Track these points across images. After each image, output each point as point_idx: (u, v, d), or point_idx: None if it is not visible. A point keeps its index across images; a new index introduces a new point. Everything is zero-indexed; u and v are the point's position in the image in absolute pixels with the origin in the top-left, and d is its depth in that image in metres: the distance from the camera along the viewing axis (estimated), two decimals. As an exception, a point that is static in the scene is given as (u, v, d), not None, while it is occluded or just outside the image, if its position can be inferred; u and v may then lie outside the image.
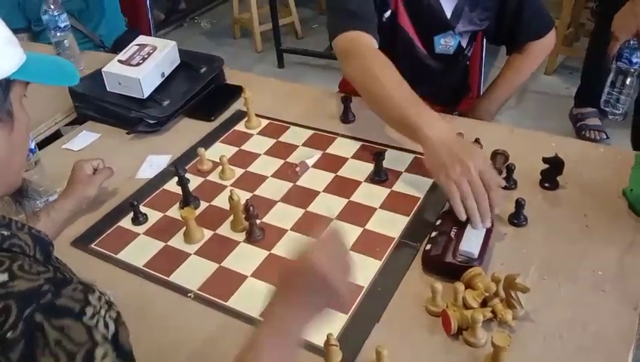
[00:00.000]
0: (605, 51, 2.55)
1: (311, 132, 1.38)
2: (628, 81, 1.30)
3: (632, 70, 1.28)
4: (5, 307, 0.53)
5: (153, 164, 1.32)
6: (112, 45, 2.21)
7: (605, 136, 2.58)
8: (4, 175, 0.68)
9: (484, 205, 0.98)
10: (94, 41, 2.15)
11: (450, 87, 1.54)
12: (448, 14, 1.38)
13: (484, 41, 1.71)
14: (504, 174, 1.15)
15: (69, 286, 0.57)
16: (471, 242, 0.96)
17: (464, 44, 1.45)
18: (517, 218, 1.06)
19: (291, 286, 0.72)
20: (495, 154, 1.19)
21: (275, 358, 0.67)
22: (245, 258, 1.04)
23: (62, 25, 1.70)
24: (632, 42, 1.27)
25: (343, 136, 1.36)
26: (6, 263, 0.57)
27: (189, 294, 0.99)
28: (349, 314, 0.92)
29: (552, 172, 1.12)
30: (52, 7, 1.69)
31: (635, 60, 1.27)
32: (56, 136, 1.55)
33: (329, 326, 0.89)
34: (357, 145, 1.32)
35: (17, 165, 0.72)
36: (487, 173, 1.00)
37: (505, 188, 1.14)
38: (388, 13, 1.43)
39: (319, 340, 0.85)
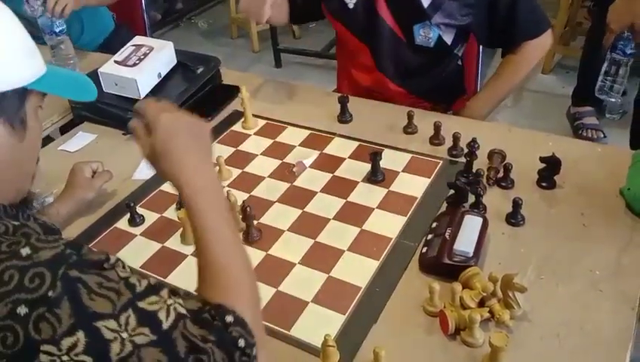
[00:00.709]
0: (601, 52, 2.56)
1: (308, 132, 1.38)
2: (621, 70, 1.32)
3: (626, 60, 1.30)
4: (38, 273, 0.56)
5: (149, 166, 1.31)
6: (100, 45, 2.19)
7: (602, 135, 2.58)
8: (13, 181, 0.70)
9: None
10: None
11: (442, 87, 1.53)
12: (426, 4, 1.38)
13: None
14: (501, 173, 1.15)
15: (83, 247, 0.61)
16: (465, 241, 0.96)
17: (448, 40, 1.44)
18: (514, 217, 1.05)
19: (171, 147, 0.74)
20: (492, 154, 1.19)
21: (218, 213, 0.72)
22: (242, 259, 1.04)
23: (57, 30, 1.70)
24: (626, 34, 1.28)
25: (340, 136, 1.36)
26: (23, 241, 0.59)
27: (186, 295, 0.98)
28: (347, 314, 0.92)
29: (550, 171, 1.12)
30: (46, 11, 1.69)
31: (629, 52, 1.29)
32: (52, 137, 1.55)
33: (326, 327, 0.89)
34: (354, 145, 1.32)
35: (26, 173, 0.73)
36: None
37: (502, 187, 1.14)
38: (355, 0, 1.44)
39: (317, 341, 0.85)
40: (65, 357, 0.54)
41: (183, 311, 0.61)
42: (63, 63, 1.75)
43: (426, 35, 1.42)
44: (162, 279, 1.02)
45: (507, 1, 1.37)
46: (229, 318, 0.63)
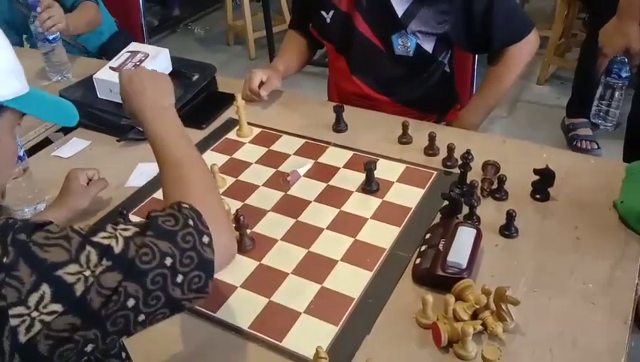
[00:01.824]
0: (595, 63, 2.56)
1: (303, 141, 1.38)
2: (617, 94, 1.31)
3: (621, 84, 1.29)
4: None
5: (143, 172, 1.31)
6: (99, 48, 2.20)
7: (597, 147, 2.59)
8: None
9: None
10: (77, 47, 2.14)
11: (430, 95, 1.54)
12: (400, 13, 1.39)
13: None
14: (495, 185, 1.15)
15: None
16: (459, 253, 0.96)
17: (428, 48, 1.44)
18: (508, 229, 1.05)
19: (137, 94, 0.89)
20: (486, 165, 1.19)
21: (174, 130, 0.84)
22: (235, 268, 1.03)
23: (50, 37, 1.70)
24: (619, 58, 1.27)
25: (335, 145, 1.35)
26: None
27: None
28: (339, 325, 0.91)
29: (543, 183, 1.12)
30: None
31: (624, 75, 1.28)
32: (45, 142, 1.54)
33: (319, 338, 0.88)
34: (349, 154, 1.32)
35: None
36: None
37: (496, 199, 1.14)
38: (331, 14, 1.48)
39: (309, 352, 0.85)
40: (35, 313, 0.56)
41: (129, 233, 0.63)
42: (56, 70, 1.75)
43: (404, 44, 1.43)
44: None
45: (482, 7, 1.36)
46: (183, 205, 0.68)
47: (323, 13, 1.51)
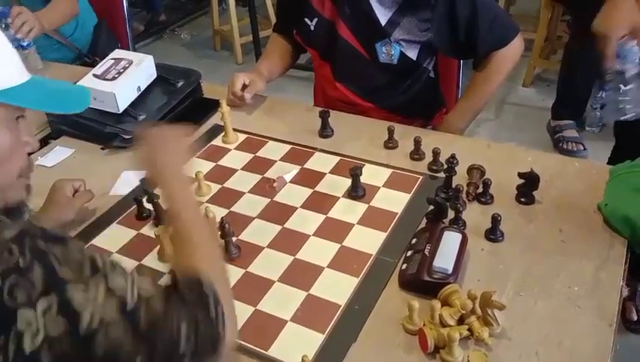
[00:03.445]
0: (579, 65, 2.56)
1: (289, 147, 1.38)
2: (630, 75, 1.21)
3: (632, 66, 1.19)
4: (5, 248, 0.58)
5: (127, 180, 1.30)
6: (89, 48, 2.19)
7: (582, 148, 2.61)
8: None
9: None
10: (68, 47, 2.12)
11: (415, 100, 1.54)
12: (383, 21, 1.40)
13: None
14: (480, 189, 1.15)
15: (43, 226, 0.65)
16: (445, 258, 0.96)
17: (412, 55, 1.45)
18: (493, 233, 1.06)
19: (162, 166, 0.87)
20: (471, 169, 1.19)
21: (193, 208, 0.85)
22: (221, 276, 1.03)
23: (24, 43, 1.68)
24: (626, 41, 1.19)
25: (321, 150, 1.35)
26: None
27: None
28: (326, 333, 0.91)
29: (528, 187, 1.13)
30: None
31: (633, 57, 1.19)
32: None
33: (305, 347, 0.88)
34: (335, 160, 1.32)
35: None
36: None
37: (481, 203, 1.14)
38: (315, 21, 1.48)
39: (295, 361, 0.84)
40: (41, 320, 0.56)
41: (146, 293, 0.63)
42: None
43: (388, 52, 1.43)
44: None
45: (466, 13, 1.36)
46: (200, 282, 0.68)
47: (307, 20, 1.50)
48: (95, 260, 0.63)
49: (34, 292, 0.56)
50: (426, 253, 0.97)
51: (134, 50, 2.41)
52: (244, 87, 1.50)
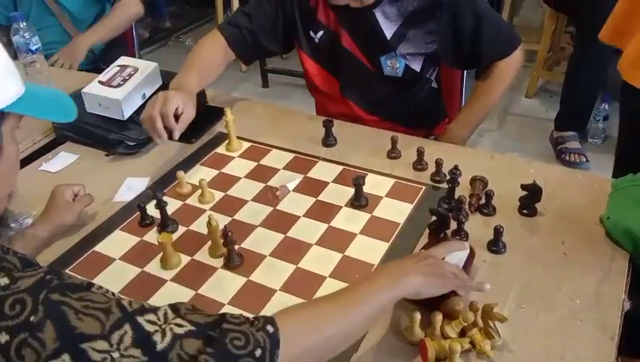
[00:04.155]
0: (583, 76, 2.56)
1: (292, 155, 1.38)
2: None
3: None
4: (18, 300, 0.55)
5: (131, 187, 1.30)
6: (100, 54, 2.22)
7: (585, 160, 2.61)
8: None
9: None
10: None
11: (418, 111, 1.54)
12: (389, 35, 1.40)
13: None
14: (483, 200, 1.15)
15: (64, 273, 0.61)
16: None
17: (417, 67, 1.45)
18: (495, 245, 1.06)
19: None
20: (474, 180, 1.20)
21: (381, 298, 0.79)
22: (223, 285, 1.03)
23: (33, 48, 1.69)
24: None
25: (325, 159, 1.36)
26: (2, 272, 0.58)
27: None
28: (327, 343, 0.91)
29: (531, 199, 1.13)
30: (23, 29, 1.68)
31: None
32: (33, 156, 1.53)
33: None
34: (338, 169, 1.32)
35: (1, 195, 0.71)
36: None
37: (484, 214, 1.14)
38: (320, 34, 1.47)
39: (296, 371, 0.84)
40: None
41: (181, 331, 0.58)
42: (37, 81, 1.75)
43: (393, 65, 1.44)
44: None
45: (471, 24, 1.37)
46: (267, 328, 0.64)
47: (311, 33, 1.49)
48: (122, 304, 0.59)
49: (44, 352, 0.53)
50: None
51: (140, 57, 2.43)
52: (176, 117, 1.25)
